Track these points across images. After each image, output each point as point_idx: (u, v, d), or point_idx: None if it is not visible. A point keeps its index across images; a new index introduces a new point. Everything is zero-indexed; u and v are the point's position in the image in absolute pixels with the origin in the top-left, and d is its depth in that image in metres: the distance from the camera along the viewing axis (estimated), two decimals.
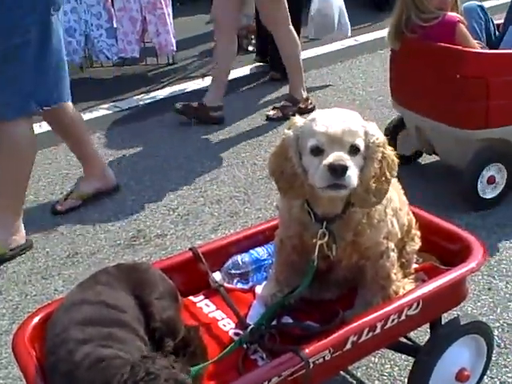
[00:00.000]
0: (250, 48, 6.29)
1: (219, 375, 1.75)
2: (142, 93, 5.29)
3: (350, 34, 5.54)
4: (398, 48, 3.41)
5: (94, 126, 4.59)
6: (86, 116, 4.78)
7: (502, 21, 3.66)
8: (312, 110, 4.48)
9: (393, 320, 1.84)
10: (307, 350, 1.68)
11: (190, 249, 2.11)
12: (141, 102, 5.09)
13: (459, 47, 3.13)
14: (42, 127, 4.54)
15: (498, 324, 2.51)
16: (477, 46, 3.22)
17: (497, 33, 3.62)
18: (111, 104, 5.04)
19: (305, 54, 5.45)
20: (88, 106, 4.93)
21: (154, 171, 3.95)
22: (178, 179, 3.84)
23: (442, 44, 3.16)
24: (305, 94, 4.74)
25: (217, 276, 2.10)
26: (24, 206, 3.28)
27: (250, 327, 1.80)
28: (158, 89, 5.39)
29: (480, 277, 2.78)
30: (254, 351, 1.80)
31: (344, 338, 1.76)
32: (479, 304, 2.63)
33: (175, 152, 4.21)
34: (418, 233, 2.09)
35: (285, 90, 5.03)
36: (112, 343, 1.56)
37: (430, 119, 3.31)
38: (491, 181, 3.24)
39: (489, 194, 3.29)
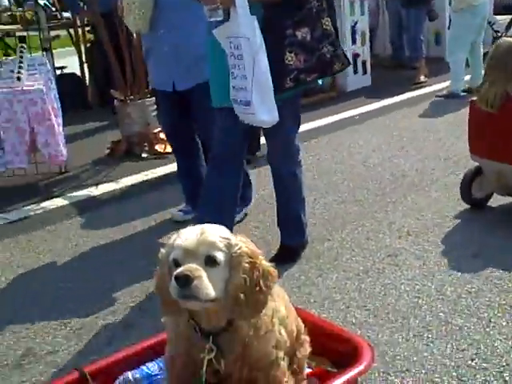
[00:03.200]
0: (144, 155, 6.34)
1: None
2: (32, 203, 5.17)
3: None
4: (495, 112, 4.15)
5: None
6: None
7: None
8: None
9: None
10: None
11: (76, 369, 2.03)
12: (31, 213, 4.97)
13: None
14: None
15: None
16: None
17: None
18: None
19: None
20: None
21: (44, 286, 3.82)
22: (69, 292, 3.72)
23: None
24: None
25: None
26: None
27: None
28: (49, 198, 5.29)
29: (376, 374, 2.81)
30: None
31: None
32: None
33: (66, 264, 4.10)
34: (308, 338, 2.12)
35: None
36: None
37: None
38: None
39: None
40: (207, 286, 1.65)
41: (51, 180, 5.76)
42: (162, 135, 6.52)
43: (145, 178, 5.76)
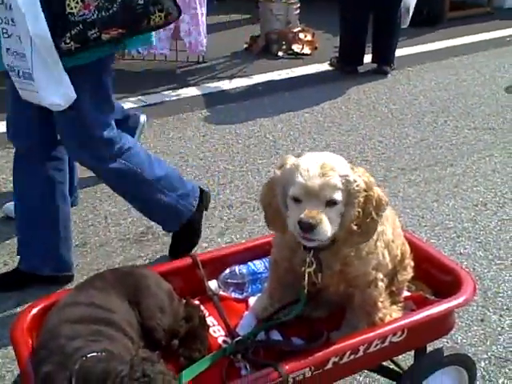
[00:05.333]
0: (280, 53, 6.35)
1: (203, 381, 1.83)
2: (169, 89, 5.38)
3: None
4: None
5: None
6: None
7: None
8: None
9: (376, 345, 1.90)
10: (287, 367, 1.75)
11: (190, 256, 2.19)
12: (166, 99, 5.19)
13: None
14: None
15: (485, 356, 2.55)
16: None
17: None
18: (138, 98, 5.14)
19: None
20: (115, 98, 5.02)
21: None
22: (192, 179, 3.92)
23: None
24: None
25: (213, 284, 2.18)
26: None
27: (236, 339, 1.88)
28: (184, 86, 5.47)
29: (475, 307, 2.82)
30: (239, 360, 1.88)
31: (325, 358, 1.82)
32: (470, 334, 2.67)
33: (194, 152, 4.30)
34: (412, 263, 2.15)
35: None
36: (100, 338, 1.65)
37: None
38: None
39: None
40: (328, 228, 1.68)
41: (189, 68, 5.93)
42: (302, 35, 6.49)
43: (278, 78, 5.80)
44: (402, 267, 2.11)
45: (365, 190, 1.75)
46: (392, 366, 2.20)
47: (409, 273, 2.13)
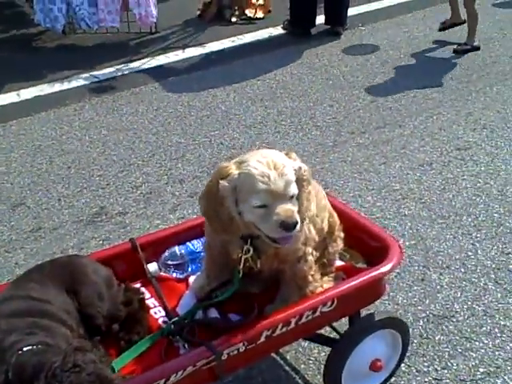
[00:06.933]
0: (233, 19, 6.33)
1: (144, 360, 1.92)
2: (121, 63, 5.36)
3: None
4: None
5: (70, 96, 4.72)
6: (64, 86, 4.90)
7: None
8: None
9: (307, 316, 2.01)
10: (219, 344, 1.84)
11: (130, 240, 2.26)
12: (119, 73, 5.18)
13: None
14: (20, 96, 4.66)
15: (424, 314, 2.68)
16: None
17: None
18: (89, 74, 5.12)
19: None
20: (66, 76, 5.02)
21: (123, 146, 4.08)
22: (145, 155, 3.97)
23: None
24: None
25: (153, 266, 2.26)
26: None
27: (173, 320, 1.97)
28: (137, 59, 5.46)
29: (416, 267, 2.94)
30: (177, 340, 1.97)
31: (257, 332, 1.92)
32: (410, 294, 2.79)
33: (147, 127, 4.33)
34: (342, 234, 2.24)
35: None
36: (36, 331, 1.72)
37: None
38: None
39: None
40: (299, 220, 1.78)
41: (141, 40, 5.90)
42: (254, 0, 6.46)
43: (231, 45, 5.80)
44: (332, 239, 2.20)
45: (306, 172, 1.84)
46: (327, 334, 2.30)
47: (338, 244, 2.22)
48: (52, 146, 4.07)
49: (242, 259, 1.93)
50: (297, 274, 2.04)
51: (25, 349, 1.65)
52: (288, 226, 1.75)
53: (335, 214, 2.24)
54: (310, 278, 2.06)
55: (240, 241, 1.92)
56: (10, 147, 4.07)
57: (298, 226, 1.78)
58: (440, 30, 5.86)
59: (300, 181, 1.84)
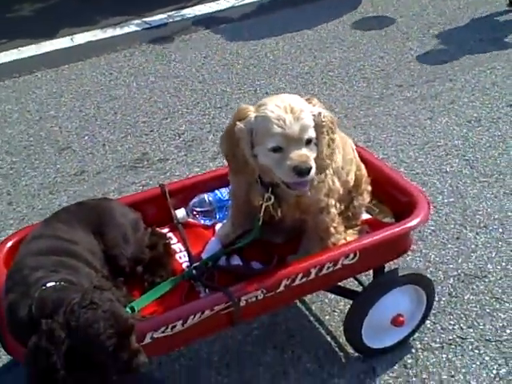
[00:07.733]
0: None
1: (165, 302, 1.98)
2: (173, 9, 5.37)
3: None
4: None
5: (121, 42, 4.76)
6: (116, 32, 4.95)
7: None
8: None
9: (328, 267, 2.01)
10: (237, 290, 1.88)
11: (160, 185, 2.31)
12: (170, 20, 5.19)
13: None
14: (73, 41, 4.73)
15: (455, 273, 2.64)
16: None
17: None
18: (141, 20, 5.14)
19: None
20: (119, 22, 5.06)
21: (169, 93, 4.11)
22: (190, 103, 3.99)
23: None
24: None
25: (181, 212, 2.30)
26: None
27: (194, 265, 2.02)
28: (189, 6, 5.44)
29: (452, 225, 2.90)
30: (198, 284, 2.02)
31: (277, 281, 1.94)
32: (443, 252, 2.75)
33: (194, 74, 4.34)
34: (369, 187, 2.22)
35: None
36: (61, 269, 1.80)
37: None
38: None
39: None
40: (314, 166, 1.75)
41: None
42: None
43: None
44: (359, 193, 2.19)
45: (329, 120, 1.82)
46: (349, 287, 2.31)
47: (365, 198, 2.21)
48: (100, 92, 4.14)
49: (263, 207, 1.94)
50: (319, 226, 2.04)
51: (48, 285, 1.72)
52: (301, 170, 1.73)
53: (363, 167, 2.22)
54: (333, 229, 2.06)
55: (262, 188, 1.93)
56: (60, 91, 4.16)
57: (313, 172, 1.76)
58: None
59: (319, 127, 1.81)
